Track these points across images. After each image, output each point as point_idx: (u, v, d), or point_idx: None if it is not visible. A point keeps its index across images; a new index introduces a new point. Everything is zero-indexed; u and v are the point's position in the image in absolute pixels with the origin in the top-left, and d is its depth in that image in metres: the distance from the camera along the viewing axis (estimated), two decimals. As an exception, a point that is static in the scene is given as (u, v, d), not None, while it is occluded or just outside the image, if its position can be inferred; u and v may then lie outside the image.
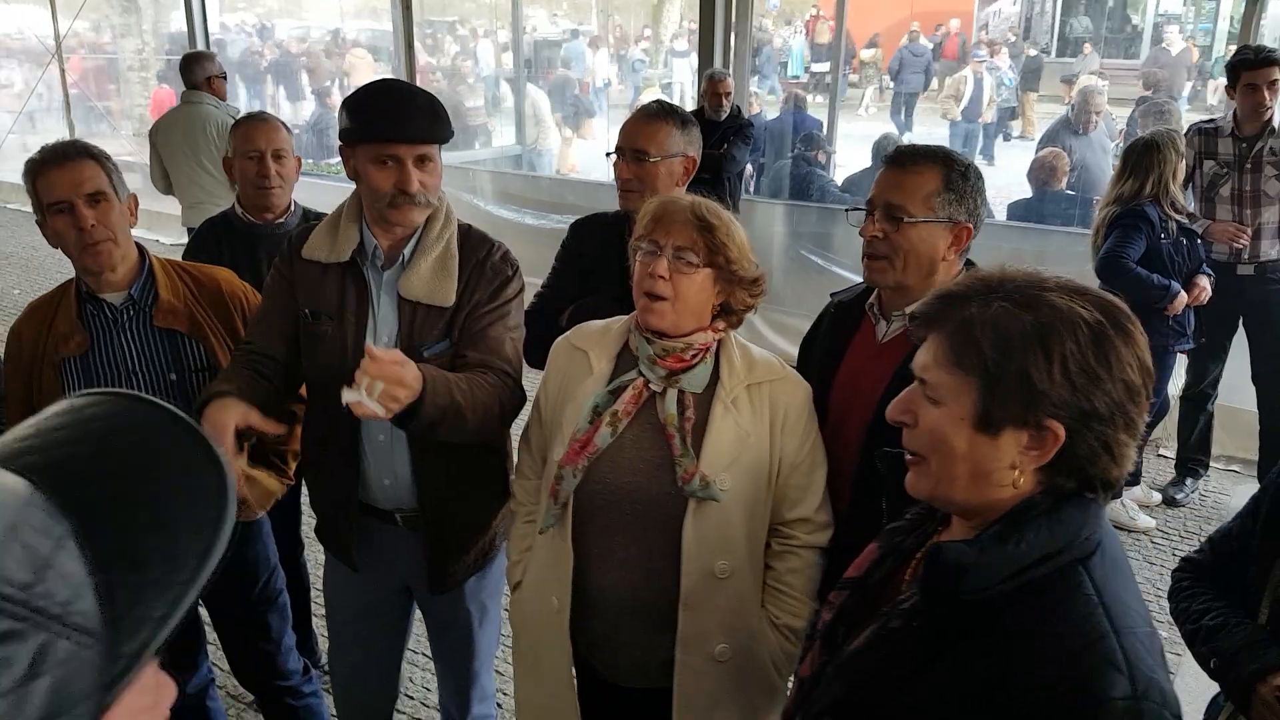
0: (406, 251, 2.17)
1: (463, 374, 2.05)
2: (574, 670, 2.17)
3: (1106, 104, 7.66)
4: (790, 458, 2.00)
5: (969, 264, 2.14)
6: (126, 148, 12.21)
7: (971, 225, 2.05)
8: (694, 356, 1.96)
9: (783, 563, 2.04)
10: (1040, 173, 6.65)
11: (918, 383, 1.28)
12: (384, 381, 1.77)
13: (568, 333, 2.18)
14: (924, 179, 2.02)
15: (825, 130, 8.15)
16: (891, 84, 16.10)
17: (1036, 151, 7.33)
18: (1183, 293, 4.22)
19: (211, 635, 2.90)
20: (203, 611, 2.80)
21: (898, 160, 2.08)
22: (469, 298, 2.16)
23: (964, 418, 1.22)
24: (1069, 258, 5.89)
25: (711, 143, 6.34)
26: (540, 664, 2.13)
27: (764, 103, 9.35)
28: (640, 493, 1.96)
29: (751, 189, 8.23)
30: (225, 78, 6.18)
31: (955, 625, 1.22)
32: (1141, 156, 4.31)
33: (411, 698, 3.56)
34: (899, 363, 2.02)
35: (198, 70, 6.01)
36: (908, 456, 1.32)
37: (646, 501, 1.95)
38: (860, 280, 2.24)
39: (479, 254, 2.21)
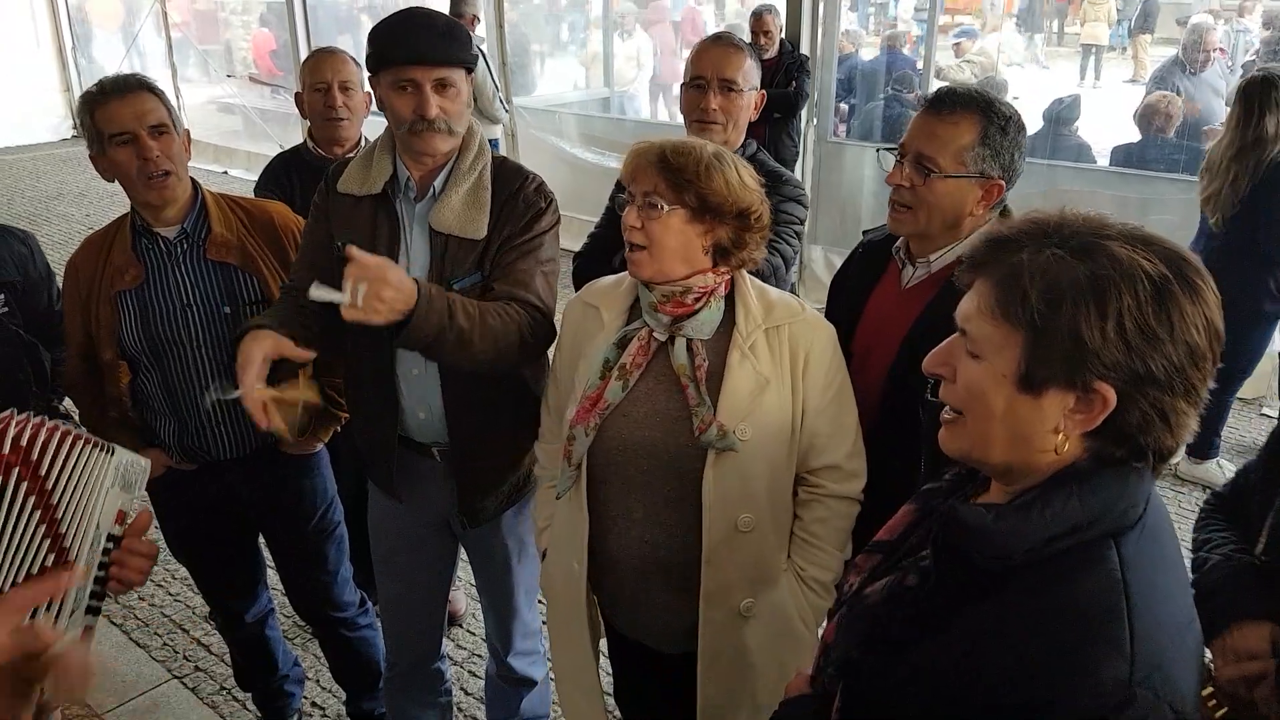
0: (438, 183, 2.15)
1: (479, 301, 2.02)
2: (605, 637, 2.15)
3: (1220, 42, 7.20)
4: (814, 402, 1.91)
5: (1004, 211, 2.03)
6: (230, 91, 12.45)
7: (1004, 181, 1.95)
8: (696, 301, 1.88)
9: (809, 512, 1.97)
10: (1150, 117, 6.30)
11: (959, 333, 1.19)
12: (366, 283, 1.75)
13: (581, 290, 2.13)
14: (959, 130, 1.91)
15: (921, 70, 7.87)
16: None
17: (1146, 95, 6.94)
18: None
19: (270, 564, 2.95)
20: (261, 542, 2.85)
21: (935, 105, 1.96)
22: (500, 230, 2.13)
23: (1006, 375, 1.11)
24: (1172, 205, 5.60)
25: (776, 80, 6.31)
26: (569, 631, 2.11)
27: (858, 42, 9.02)
28: (657, 447, 1.89)
29: (843, 131, 8.02)
30: (478, 20, 7.04)
31: (968, 590, 1.13)
32: (1264, 94, 3.99)
33: (473, 633, 3.60)
34: (922, 308, 1.96)
35: (462, 7, 6.88)
36: (944, 414, 1.23)
37: (663, 456, 1.89)
38: None
39: (512, 186, 2.17)
